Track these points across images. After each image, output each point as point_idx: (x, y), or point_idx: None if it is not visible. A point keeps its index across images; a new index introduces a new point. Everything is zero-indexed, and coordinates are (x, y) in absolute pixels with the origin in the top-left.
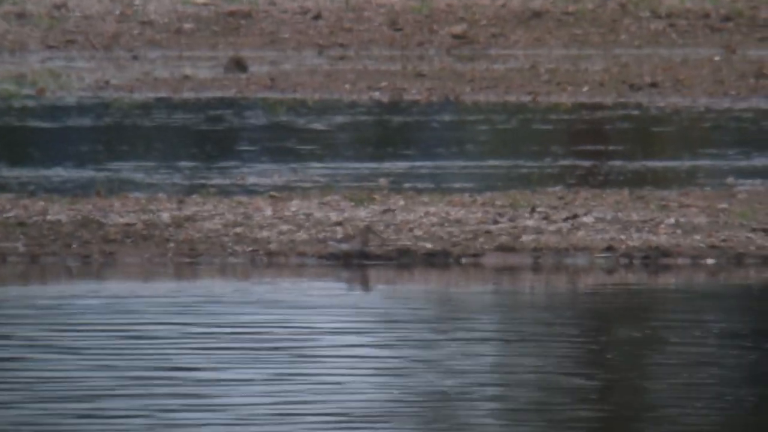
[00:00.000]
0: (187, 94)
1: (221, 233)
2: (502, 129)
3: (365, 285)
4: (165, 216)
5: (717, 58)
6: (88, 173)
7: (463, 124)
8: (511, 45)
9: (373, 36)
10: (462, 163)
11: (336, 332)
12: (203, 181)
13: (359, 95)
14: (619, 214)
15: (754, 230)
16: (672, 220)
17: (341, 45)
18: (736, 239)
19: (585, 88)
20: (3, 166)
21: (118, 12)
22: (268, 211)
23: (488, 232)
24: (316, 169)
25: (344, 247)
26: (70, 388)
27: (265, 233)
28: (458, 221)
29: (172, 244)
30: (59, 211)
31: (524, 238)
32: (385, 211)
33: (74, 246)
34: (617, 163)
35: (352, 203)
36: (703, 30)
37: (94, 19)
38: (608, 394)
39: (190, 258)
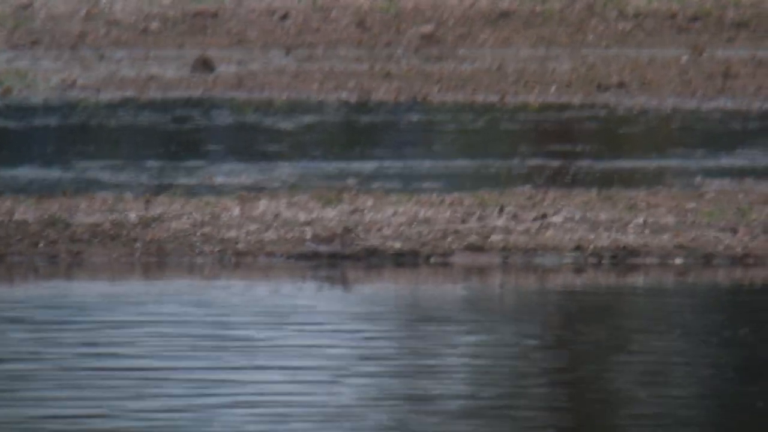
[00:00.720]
0: (154, 94)
1: (189, 233)
2: (470, 129)
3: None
4: (132, 216)
5: (684, 59)
6: (54, 173)
7: (431, 124)
8: (479, 45)
9: (340, 36)
10: (430, 163)
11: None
12: (170, 181)
13: (327, 95)
14: (588, 214)
15: (721, 230)
16: (640, 220)
17: (309, 45)
18: (703, 239)
19: (553, 88)
20: None
21: (84, 12)
22: (236, 211)
23: (457, 231)
24: (284, 169)
25: (323, 248)
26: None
27: (233, 233)
28: (427, 221)
29: (139, 244)
30: (26, 211)
31: (493, 237)
32: (353, 211)
33: (41, 246)
34: (585, 163)
35: (321, 203)
36: (671, 30)
37: (60, 18)
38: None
39: (157, 258)
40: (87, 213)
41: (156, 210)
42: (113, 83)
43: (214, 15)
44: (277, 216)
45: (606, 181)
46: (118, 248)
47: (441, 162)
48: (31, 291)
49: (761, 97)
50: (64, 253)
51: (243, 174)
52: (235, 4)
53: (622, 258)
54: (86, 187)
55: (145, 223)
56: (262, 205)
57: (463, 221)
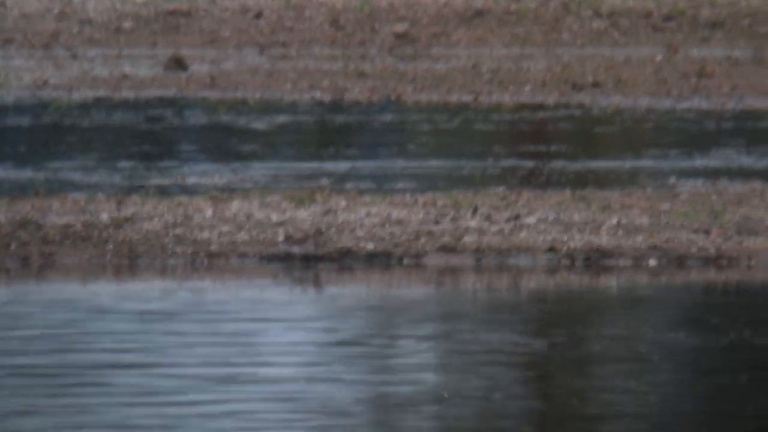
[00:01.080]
0: (127, 93)
1: (161, 234)
2: (444, 129)
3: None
4: (104, 217)
5: (659, 58)
6: (26, 173)
7: (405, 123)
8: (454, 44)
9: (314, 35)
10: (404, 164)
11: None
12: (143, 182)
13: (301, 95)
14: (561, 215)
15: (695, 231)
16: (614, 221)
17: (282, 44)
18: (677, 240)
19: (527, 88)
20: None
21: (56, 10)
22: (209, 212)
23: (430, 232)
24: (257, 169)
25: (296, 249)
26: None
27: (205, 234)
28: (400, 222)
29: (111, 245)
30: None
31: (466, 238)
32: (326, 212)
33: (12, 247)
34: (559, 163)
35: (294, 204)
36: (645, 29)
37: (33, 17)
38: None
39: (129, 259)
40: (59, 214)
41: (128, 211)
42: (86, 82)
43: (188, 14)
44: (249, 217)
45: (580, 181)
46: (89, 249)
47: (414, 162)
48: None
49: (736, 97)
50: (35, 255)
51: (216, 174)
52: (209, 3)
53: (596, 259)
54: (58, 187)
55: (117, 224)
56: (235, 205)
57: (437, 222)
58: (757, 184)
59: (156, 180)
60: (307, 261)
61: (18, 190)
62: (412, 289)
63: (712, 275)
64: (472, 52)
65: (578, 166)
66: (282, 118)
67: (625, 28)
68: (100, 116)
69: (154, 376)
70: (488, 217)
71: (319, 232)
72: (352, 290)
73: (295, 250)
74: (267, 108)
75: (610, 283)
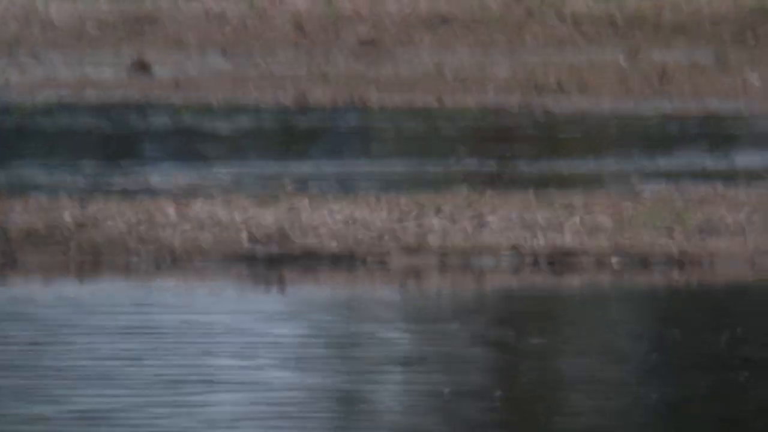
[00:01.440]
0: (91, 97)
1: (124, 234)
2: (407, 132)
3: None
4: (67, 217)
5: (622, 62)
6: None
7: (369, 127)
8: (418, 48)
9: (278, 39)
10: (367, 165)
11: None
12: (106, 183)
13: (264, 98)
14: (525, 216)
15: (658, 232)
16: (577, 221)
17: (246, 48)
18: (640, 240)
19: (491, 91)
20: None
21: (19, 14)
22: (172, 213)
23: (393, 232)
24: (221, 171)
25: (259, 250)
26: None
27: (168, 234)
28: (363, 222)
29: (73, 246)
30: None
31: (430, 238)
32: (290, 213)
33: None
34: (522, 165)
35: (257, 204)
36: (608, 34)
37: None
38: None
39: (92, 259)
40: (21, 215)
41: (91, 211)
42: (49, 86)
43: (152, 18)
44: (212, 217)
45: (543, 183)
46: (52, 250)
47: (378, 164)
48: None
49: (697, 100)
50: None
51: (179, 176)
52: (173, 7)
53: (559, 259)
54: (21, 189)
55: (80, 224)
56: (198, 206)
57: (400, 222)
58: (718, 186)
59: (119, 181)
60: (270, 261)
61: None
62: (376, 289)
63: (674, 275)
64: (437, 56)
65: (541, 167)
66: (246, 122)
67: (589, 33)
68: (64, 120)
69: None
70: (452, 218)
71: (282, 233)
72: (315, 290)
73: (259, 250)
74: (231, 111)
75: (573, 282)
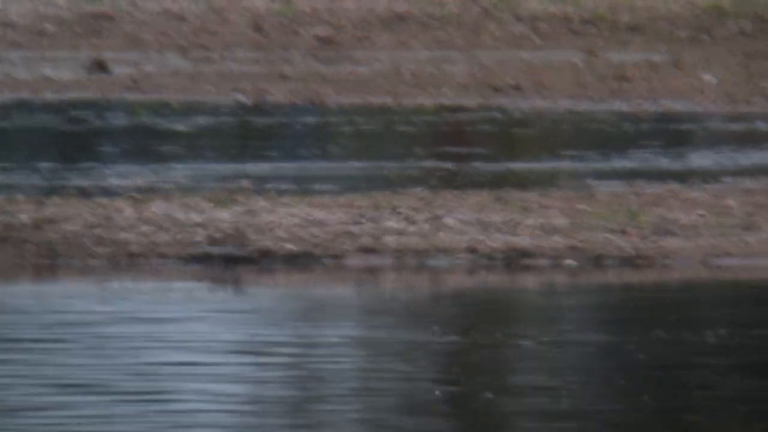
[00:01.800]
0: (49, 96)
1: (81, 235)
2: (364, 131)
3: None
4: (24, 217)
5: (579, 62)
6: None
7: (326, 126)
8: (376, 48)
9: (236, 38)
10: (324, 165)
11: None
12: (63, 183)
13: (223, 97)
14: (481, 216)
15: (612, 231)
16: (532, 221)
17: (204, 47)
18: (595, 240)
19: (448, 91)
20: None
21: None
22: (129, 213)
23: (350, 233)
24: (178, 171)
25: (216, 250)
26: None
27: (125, 235)
28: (320, 222)
29: (30, 246)
30: None
31: (386, 239)
32: (246, 213)
33: None
34: (479, 164)
35: (214, 204)
36: (565, 33)
37: None
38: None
39: (49, 260)
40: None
41: (48, 211)
42: (7, 85)
43: (110, 17)
44: (170, 217)
45: (499, 182)
46: (8, 250)
47: (335, 164)
48: None
49: (653, 100)
50: None
51: (137, 175)
52: (131, 6)
53: (515, 259)
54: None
55: (37, 224)
56: (155, 206)
57: (357, 223)
58: (673, 185)
59: (77, 181)
60: (227, 262)
61: None
62: (332, 290)
63: (628, 275)
64: (394, 56)
65: (498, 167)
66: (203, 120)
67: (546, 33)
68: (22, 118)
69: None
70: (408, 218)
71: (239, 233)
72: (272, 291)
73: (216, 250)
74: (189, 110)
75: (528, 282)
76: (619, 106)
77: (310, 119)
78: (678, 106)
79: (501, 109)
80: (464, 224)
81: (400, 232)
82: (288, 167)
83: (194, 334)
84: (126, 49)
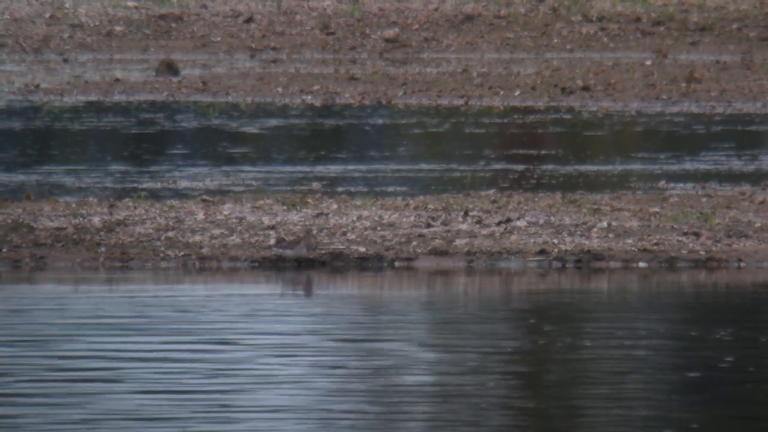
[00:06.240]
0: (118, 98)
1: (153, 237)
2: (434, 132)
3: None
4: (96, 220)
5: (648, 62)
6: (17, 177)
7: (396, 127)
8: (444, 49)
9: (305, 39)
10: (395, 167)
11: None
12: (134, 185)
13: (292, 98)
14: (552, 218)
15: (685, 234)
16: (604, 224)
17: (273, 48)
18: (667, 243)
19: (517, 92)
20: None
21: (48, 15)
22: (200, 215)
23: (421, 235)
24: (249, 173)
25: (287, 252)
26: None
27: (197, 237)
28: (391, 225)
29: (103, 249)
30: None
31: (457, 241)
32: (318, 215)
33: (4, 250)
34: (549, 166)
35: (285, 207)
36: (635, 34)
37: (24, 21)
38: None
39: (121, 262)
40: (50, 217)
41: (120, 214)
42: (77, 87)
43: (179, 18)
44: (241, 220)
45: (570, 184)
46: (81, 253)
47: (405, 165)
48: None
49: (724, 101)
50: (27, 258)
51: (207, 178)
52: (200, 8)
53: (586, 262)
54: (50, 191)
55: (109, 227)
56: (227, 209)
57: (428, 225)
58: (746, 187)
59: (148, 183)
60: (298, 264)
61: (9, 194)
62: (404, 292)
63: (702, 277)
64: (462, 57)
65: (568, 169)
66: (273, 122)
67: (615, 33)
68: (92, 120)
69: None
70: (479, 220)
71: (310, 235)
72: (344, 293)
73: (287, 253)
74: (258, 111)
75: (601, 285)
76: (690, 107)
77: (379, 120)
78: (748, 106)
79: (570, 110)
80: (535, 227)
81: (471, 235)
82: (358, 169)
83: None
84: (195, 50)
